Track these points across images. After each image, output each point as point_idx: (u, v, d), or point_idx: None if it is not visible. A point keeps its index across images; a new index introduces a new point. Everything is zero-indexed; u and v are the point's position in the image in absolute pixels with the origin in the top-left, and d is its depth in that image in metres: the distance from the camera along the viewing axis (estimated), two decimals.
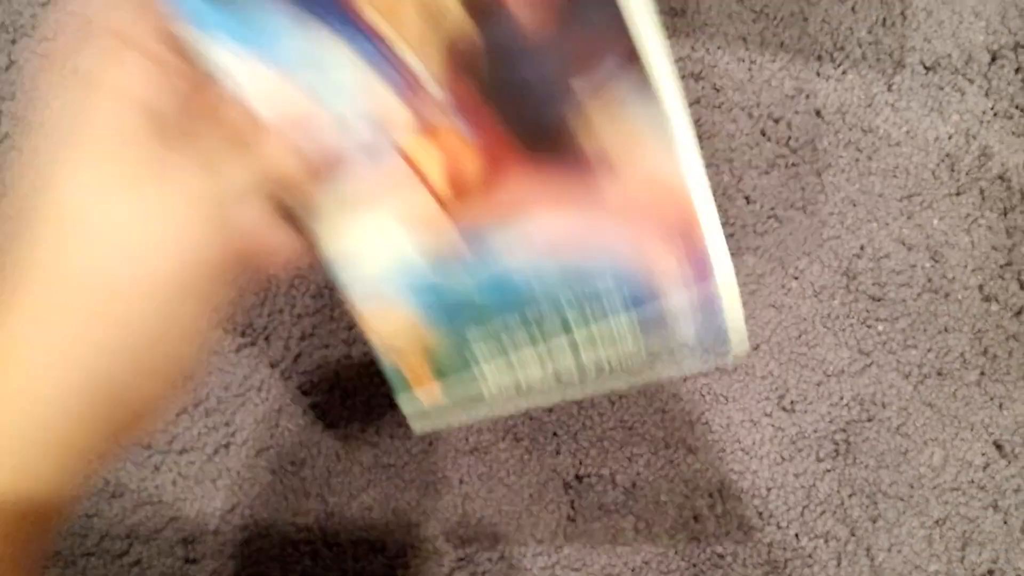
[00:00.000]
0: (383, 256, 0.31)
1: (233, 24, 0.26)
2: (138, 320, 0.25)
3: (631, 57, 0.27)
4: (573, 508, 0.48)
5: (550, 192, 0.29)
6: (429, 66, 0.27)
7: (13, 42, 0.52)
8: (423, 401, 0.35)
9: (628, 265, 0.30)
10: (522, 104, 0.28)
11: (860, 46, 0.54)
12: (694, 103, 0.53)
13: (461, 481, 0.48)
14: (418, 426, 0.35)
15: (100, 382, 0.24)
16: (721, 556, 0.48)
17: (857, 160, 0.52)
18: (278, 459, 0.48)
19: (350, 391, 0.48)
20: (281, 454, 0.48)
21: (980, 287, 0.51)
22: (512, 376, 0.34)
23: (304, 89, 0.28)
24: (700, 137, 0.52)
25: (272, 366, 0.49)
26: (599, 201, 0.29)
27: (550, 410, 0.49)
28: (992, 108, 0.53)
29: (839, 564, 0.48)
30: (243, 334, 0.49)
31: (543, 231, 0.30)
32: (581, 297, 0.31)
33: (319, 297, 0.49)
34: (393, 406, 0.48)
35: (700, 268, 0.30)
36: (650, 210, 0.30)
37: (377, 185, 0.30)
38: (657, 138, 0.28)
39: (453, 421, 0.36)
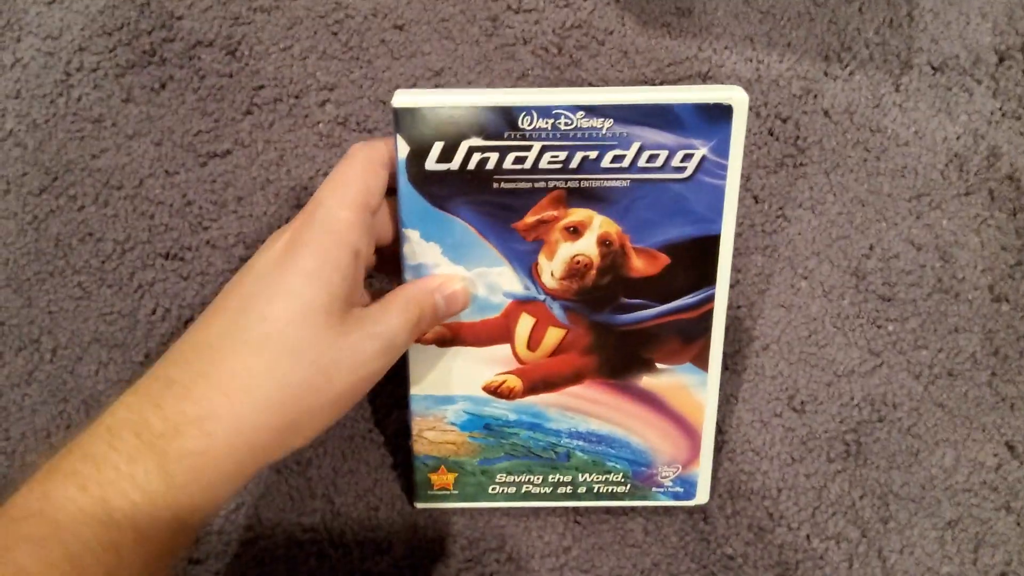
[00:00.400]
0: (454, 384, 0.40)
1: (432, 227, 0.38)
2: (312, 416, 0.33)
3: (701, 357, 0.41)
4: (579, 511, 0.47)
5: (601, 390, 0.40)
6: (554, 265, 0.37)
7: (18, 40, 0.52)
8: (435, 486, 0.44)
9: (640, 445, 0.42)
10: (609, 318, 0.37)
11: (867, 47, 0.54)
12: None
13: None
14: (420, 504, 0.45)
15: (274, 444, 0.33)
16: (731, 558, 0.47)
17: (865, 160, 0.52)
18: (283, 459, 0.47)
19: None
20: None
21: (990, 287, 0.50)
22: (516, 486, 0.43)
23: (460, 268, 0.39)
24: None
25: None
26: (637, 410, 0.41)
27: None
28: (1000, 108, 0.53)
29: (851, 566, 0.48)
30: None
31: (582, 402, 0.39)
32: (595, 445, 0.41)
33: None
34: (399, 407, 0.48)
35: (690, 460, 0.44)
36: (671, 430, 0.42)
37: (477, 331, 0.39)
38: (698, 397, 0.41)
39: (451, 505, 0.45)
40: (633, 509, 0.47)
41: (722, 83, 0.53)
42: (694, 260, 0.36)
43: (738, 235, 0.51)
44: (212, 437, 0.31)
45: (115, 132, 0.51)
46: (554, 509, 0.47)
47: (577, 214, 0.36)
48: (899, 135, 0.52)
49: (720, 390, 0.49)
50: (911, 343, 0.50)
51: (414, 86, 0.53)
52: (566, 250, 0.35)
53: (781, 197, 0.51)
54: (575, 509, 0.47)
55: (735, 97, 0.37)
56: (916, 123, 0.53)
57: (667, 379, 0.39)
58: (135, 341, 0.49)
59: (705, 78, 0.53)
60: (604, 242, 0.35)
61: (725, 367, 0.49)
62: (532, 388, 0.37)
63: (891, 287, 0.50)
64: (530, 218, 0.36)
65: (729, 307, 0.50)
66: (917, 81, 0.53)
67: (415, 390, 0.40)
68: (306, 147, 0.52)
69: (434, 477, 0.42)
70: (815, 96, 0.53)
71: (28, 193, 0.50)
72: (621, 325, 0.37)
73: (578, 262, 0.35)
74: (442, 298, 0.38)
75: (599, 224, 0.35)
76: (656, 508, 0.47)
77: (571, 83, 0.53)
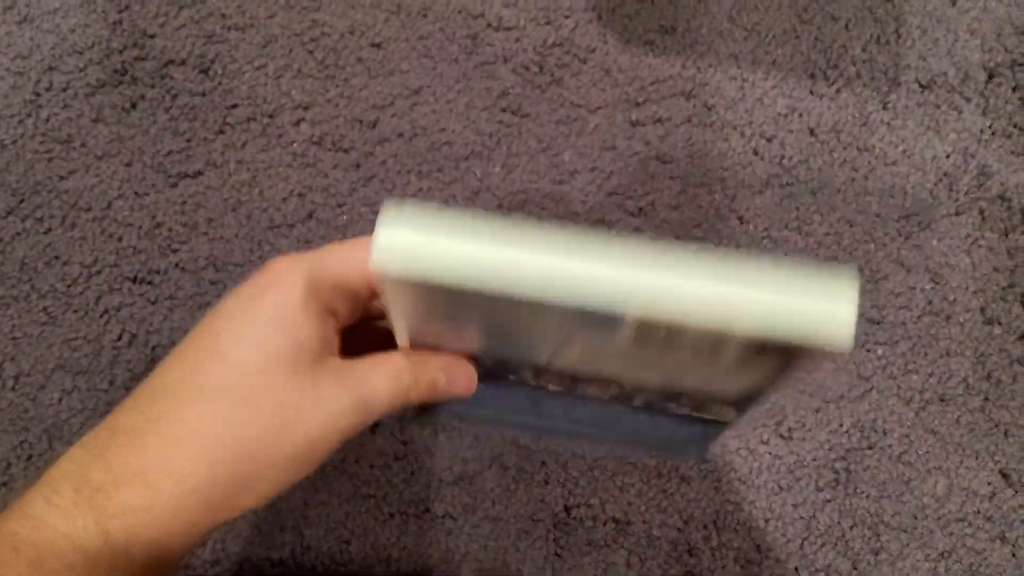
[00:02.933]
0: None
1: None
2: (268, 471, 0.31)
3: None
4: (560, 545, 0.46)
5: None
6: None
7: None
8: None
9: None
10: None
11: (854, 64, 0.53)
12: (685, 122, 0.52)
13: (445, 514, 0.46)
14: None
15: (227, 501, 0.30)
16: None
17: (853, 179, 0.51)
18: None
19: None
20: None
21: (982, 309, 0.49)
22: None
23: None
24: (692, 156, 0.51)
25: None
26: None
27: (539, 438, 0.47)
28: (990, 127, 0.52)
29: None
30: None
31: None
32: None
33: None
34: (373, 433, 0.47)
35: None
36: None
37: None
38: None
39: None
40: (615, 541, 0.46)
41: (706, 101, 0.52)
42: None
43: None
44: (157, 491, 0.28)
45: (84, 152, 0.50)
46: (534, 542, 0.46)
47: None
48: (887, 154, 0.51)
49: None
50: (901, 367, 0.48)
51: (391, 104, 0.51)
52: None
53: (767, 218, 0.50)
54: (557, 541, 0.46)
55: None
56: (904, 141, 0.52)
57: None
58: (100, 368, 0.47)
59: (689, 96, 0.52)
60: None
61: None
62: None
63: (880, 310, 0.49)
64: None
65: None
66: (905, 99, 0.52)
67: None
68: (280, 167, 0.50)
69: None
70: (801, 114, 0.52)
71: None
72: None
73: None
74: (444, 376, 0.35)
75: None
76: (649, 535, 0.46)
77: (551, 102, 0.52)
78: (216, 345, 0.31)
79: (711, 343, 0.26)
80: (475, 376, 0.36)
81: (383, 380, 0.33)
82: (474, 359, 0.35)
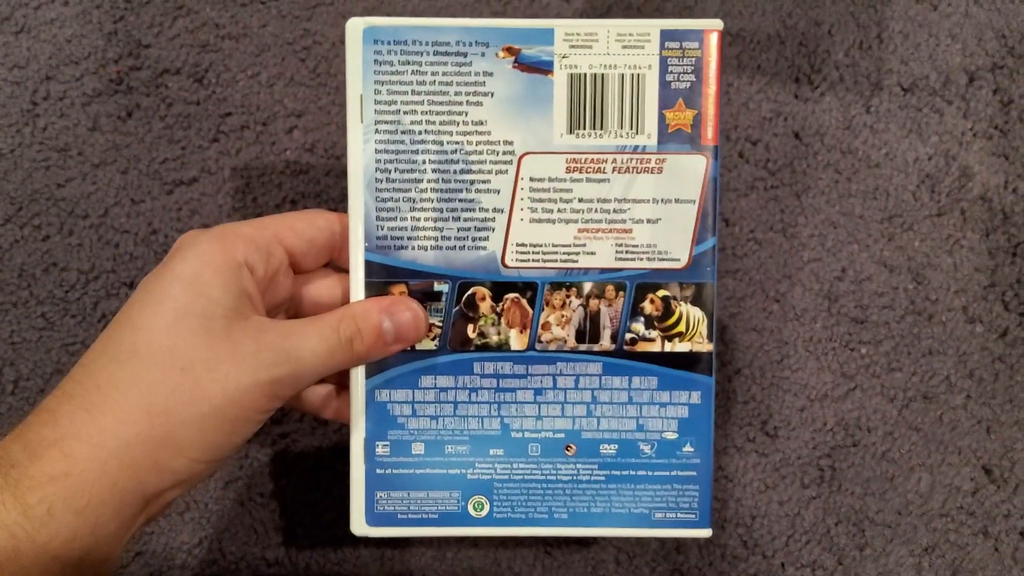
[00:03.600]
0: None
1: None
2: (188, 429, 0.30)
3: None
4: (549, 543, 0.47)
5: None
6: None
7: None
8: None
9: None
10: None
11: (837, 68, 0.54)
12: None
13: None
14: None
15: (149, 460, 0.30)
16: None
17: (837, 182, 0.52)
18: (247, 490, 0.46)
19: (322, 420, 0.47)
20: (250, 485, 0.46)
21: (964, 308, 0.50)
22: None
23: None
24: None
25: None
26: None
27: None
28: (971, 129, 0.53)
29: None
30: None
31: None
32: None
33: None
34: None
35: None
36: None
37: None
38: None
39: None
40: (604, 538, 0.47)
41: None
42: None
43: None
44: (73, 458, 0.28)
45: (81, 161, 0.51)
46: (523, 540, 0.46)
47: None
48: (870, 156, 0.52)
49: None
50: (885, 366, 0.49)
51: None
52: None
53: (752, 220, 0.51)
54: (545, 538, 0.47)
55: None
56: (887, 144, 0.52)
57: None
58: None
59: None
60: None
61: None
62: None
63: (864, 310, 0.50)
64: None
65: None
66: (888, 102, 0.53)
67: None
68: (273, 174, 0.51)
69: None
70: (785, 118, 0.53)
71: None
72: None
73: None
74: (390, 322, 0.34)
75: None
76: (628, 539, 0.47)
77: None
78: (127, 314, 0.31)
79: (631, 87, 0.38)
80: (424, 317, 0.36)
81: (314, 332, 0.32)
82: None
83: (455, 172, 0.37)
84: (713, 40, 0.39)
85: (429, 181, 0.37)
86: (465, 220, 0.37)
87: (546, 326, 0.38)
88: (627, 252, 0.38)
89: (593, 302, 0.38)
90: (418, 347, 0.37)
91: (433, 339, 0.37)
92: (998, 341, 0.49)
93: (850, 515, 0.47)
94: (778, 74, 0.54)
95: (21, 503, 0.27)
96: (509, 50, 0.37)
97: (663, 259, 0.38)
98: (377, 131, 0.38)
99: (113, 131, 0.52)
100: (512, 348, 0.38)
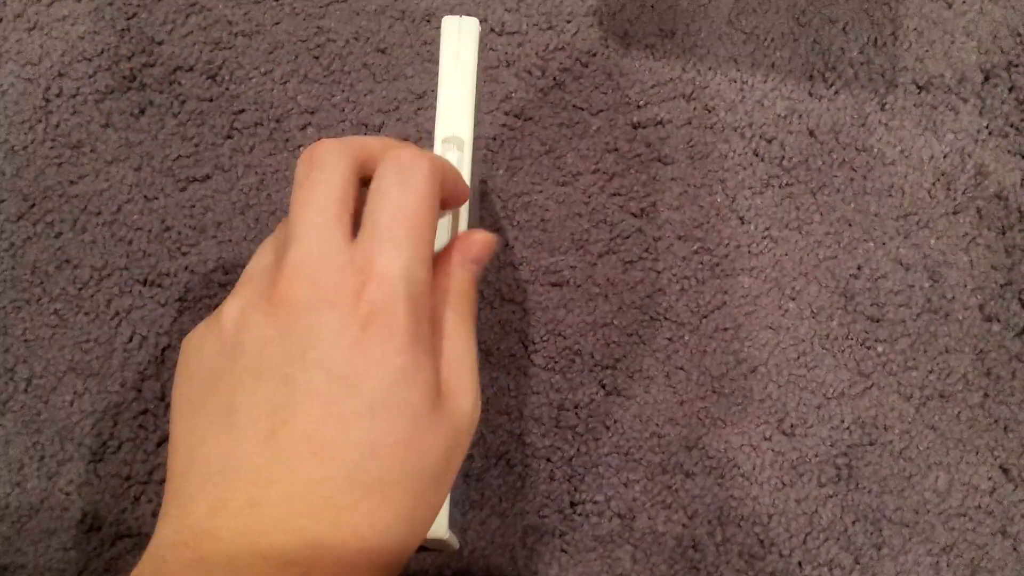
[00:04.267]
0: None
1: None
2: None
3: None
4: (566, 541, 0.46)
5: None
6: None
7: None
8: None
9: None
10: None
11: (852, 66, 0.54)
12: (685, 124, 0.52)
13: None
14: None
15: None
16: None
17: (852, 180, 0.52)
18: None
19: None
20: None
21: (980, 307, 0.50)
22: None
23: None
24: (692, 158, 0.52)
25: None
26: None
27: (543, 435, 0.47)
28: (987, 127, 0.53)
29: None
30: None
31: None
32: None
33: None
34: None
35: None
36: None
37: None
38: None
39: None
40: (620, 536, 0.46)
41: (706, 103, 0.53)
42: None
43: (724, 256, 0.50)
44: None
45: (94, 158, 0.51)
46: (540, 537, 0.46)
47: None
48: (885, 154, 0.52)
49: (708, 413, 0.48)
50: (901, 364, 0.49)
51: (397, 109, 0.52)
52: None
53: (767, 218, 0.51)
54: (563, 535, 0.46)
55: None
56: (902, 142, 0.52)
57: None
58: (111, 370, 0.48)
59: (689, 99, 0.53)
60: None
61: (712, 390, 0.48)
62: None
63: (880, 308, 0.50)
64: None
65: (716, 328, 0.49)
66: (903, 100, 0.53)
67: None
68: (287, 171, 0.51)
69: None
70: (800, 116, 0.53)
71: (5, 220, 0.50)
72: None
73: None
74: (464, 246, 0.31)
75: None
76: (653, 531, 0.46)
77: (554, 105, 0.53)
78: None
79: None
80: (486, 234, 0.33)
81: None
82: None
83: None
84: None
85: None
86: None
87: None
88: None
89: None
90: None
91: None
92: (1015, 339, 0.49)
93: (867, 514, 0.47)
94: (792, 72, 0.54)
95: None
96: None
97: None
98: None
99: (126, 128, 0.51)
100: None
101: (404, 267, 0.27)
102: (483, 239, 0.32)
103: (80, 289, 0.49)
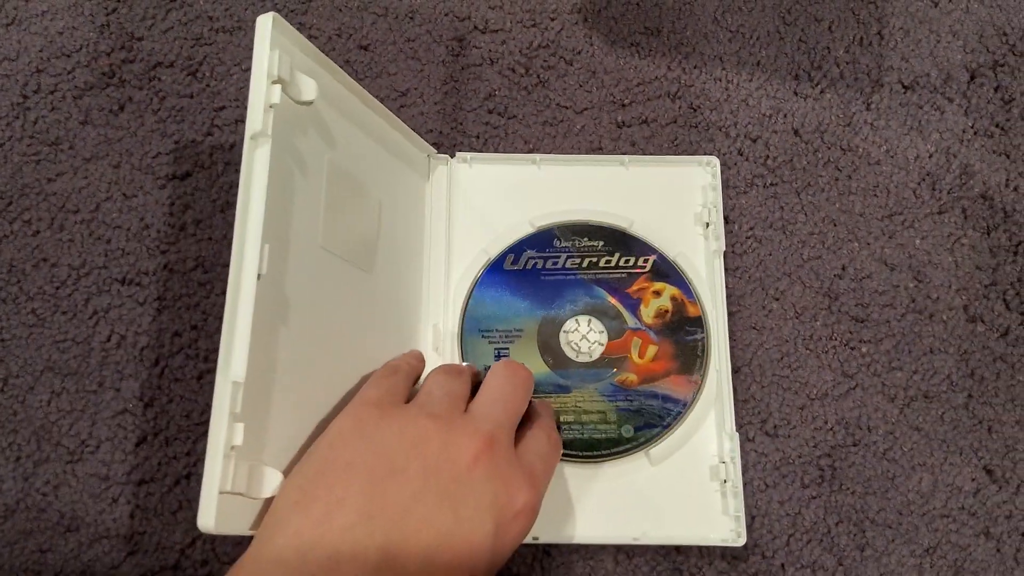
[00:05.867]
0: None
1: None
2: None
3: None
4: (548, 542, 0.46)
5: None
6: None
7: None
8: None
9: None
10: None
11: (837, 65, 0.53)
12: (670, 123, 0.52)
13: None
14: None
15: None
16: None
17: (837, 179, 0.51)
18: None
19: None
20: None
21: (965, 307, 0.50)
22: None
23: None
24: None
25: None
26: None
27: None
28: (972, 127, 0.52)
29: None
30: (205, 359, 0.47)
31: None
32: None
33: None
34: None
35: None
36: None
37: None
38: None
39: None
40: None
41: (691, 102, 0.52)
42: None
43: None
44: None
45: (72, 155, 0.50)
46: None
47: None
48: (870, 154, 0.52)
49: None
50: (885, 365, 0.49)
51: None
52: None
53: (751, 217, 0.51)
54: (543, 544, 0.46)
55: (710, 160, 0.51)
56: (887, 141, 0.52)
57: None
58: (89, 369, 0.47)
59: (674, 98, 0.52)
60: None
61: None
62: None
63: (864, 308, 0.49)
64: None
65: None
66: (888, 99, 0.53)
67: None
68: None
69: None
70: (785, 115, 0.52)
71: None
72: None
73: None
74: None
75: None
76: (626, 540, 0.46)
77: (538, 103, 0.52)
78: None
79: None
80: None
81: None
82: None
83: None
84: None
85: None
86: None
87: None
88: None
89: None
90: None
91: None
92: (999, 340, 0.49)
93: (851, 515, 0.47)
94: (778, 70, 0.53)
95: None
96: None
97: None
98: None
99: (105, 125, 0.51)
100: None
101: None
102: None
103: (58, 288, 0.48)
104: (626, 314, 0.48)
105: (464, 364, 0.45)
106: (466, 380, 0.40)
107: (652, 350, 0.47)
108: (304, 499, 0.32)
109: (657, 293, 0.48)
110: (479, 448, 0.35)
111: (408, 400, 0.38)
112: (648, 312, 0.48)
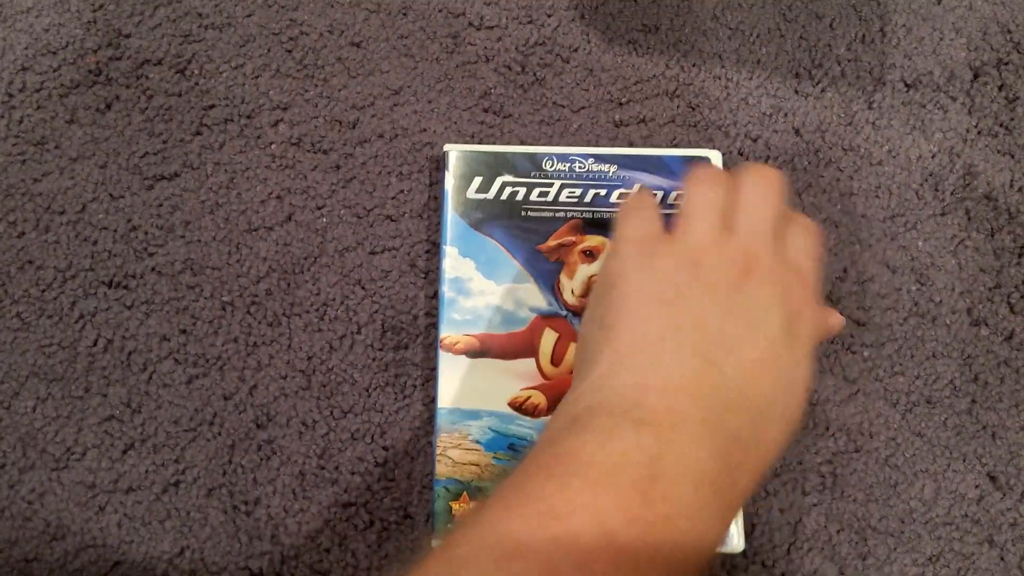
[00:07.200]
0: (481, 398, 0.42)
1: (470, 245, 0.45)
2: None
3: None
4: None
5: None
6: (574, 284, 0.43)
7: None
8: (455, 517, 0.42)
9: None
10: None
11: (839, 63, 0.52)
12: (668, 122, 0.51)
13: (428, 519, 0.45)
14: (438, 541, 0.42)
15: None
16: None
17: (838, 180, 0.50)
18: (230, 498, 0.45)
19: (308, 424, 0.46)
20: (234, 492, 0.45)
21: (968, 311, 0.49)
22: None
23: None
24: None
25: (225, 398, 0.46)
26: None
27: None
28: (976, 126, 0.51)
29: None
30: (194, 364, 0.46)
31: None
32: None
33: (275, 325, 0.47)
34: (353, 439, 0.46)
35: None
36: None
37: (504, 343, 0.42)
38: None
39: None
40: None
41: (690, 101, 0.51)
42: None
43: None
44: None
45: (58, 155, 0.49)
46: None
47: (592, 240, 0.43)
48: (872, 154, 0.51)
49: None
50: (888, 369, 0.48)
51: (372, 105, 0.51)
52: (584, 271, 0.42)
53: None
54: None
55: (712, 153, 0.48)
56: (890, 141, 0.51)
57: None
58: (75, 375, 0.46)
59: (672, 96, 0.51)
60: None
61: None
62: (556, 405, 0.38)
63: (866, 311, 0.48)
64: (552, 241, 0.44)
65: None
66: (890, 98, 0.52)
67: (443, 403, 0.43)
68: (258, 169, 0.50)
69: (455, 506, 0.41)
70: (785, 114, 0.51)
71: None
72: None
73: (594, 281, 0.40)
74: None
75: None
76: None
77: (534, 102, 0.51)
78: None
79: None
80: None
81: None
82: None
83: None
84: None
85: None
86: None
87: None
88: None
89: None
90: None
91: None
92: (1004, 344, 0.48)
93: (852, 523, 0.46)
94: (778, 69, 0.52)
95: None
96: None
97: None
98: None
99: (91, 124, 0.50)
100: None
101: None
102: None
103: (43, 291, 0.47)
104: None
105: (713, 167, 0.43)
106: (722, 184, 0.39)
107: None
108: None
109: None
110: (747, 264, 0.36)
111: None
112: None
